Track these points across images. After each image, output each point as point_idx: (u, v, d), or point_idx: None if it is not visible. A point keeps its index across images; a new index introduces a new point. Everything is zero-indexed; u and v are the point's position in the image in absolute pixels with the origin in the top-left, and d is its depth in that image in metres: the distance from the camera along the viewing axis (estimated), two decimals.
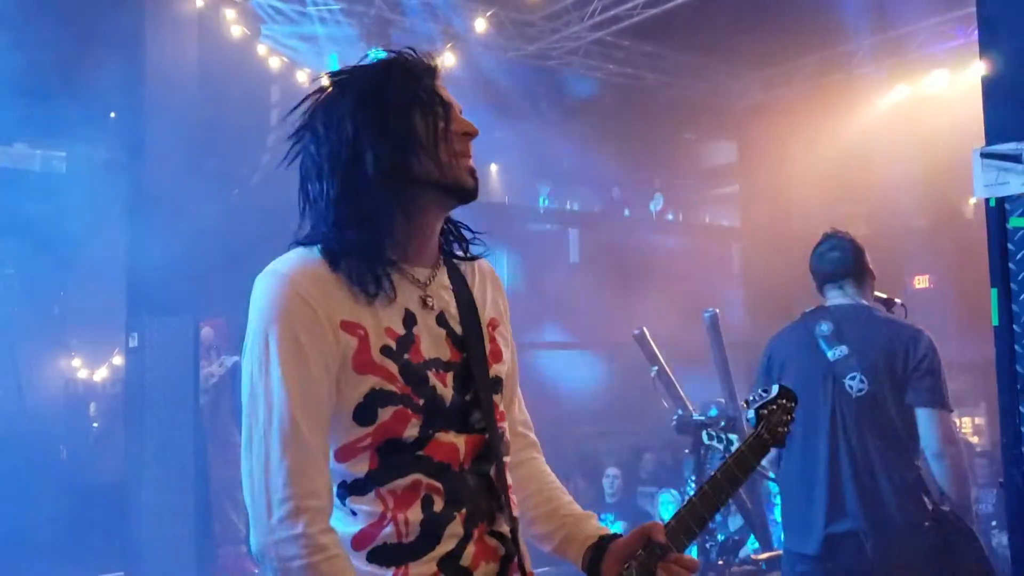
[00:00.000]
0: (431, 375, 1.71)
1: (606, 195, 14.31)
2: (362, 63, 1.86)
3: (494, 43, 10.33)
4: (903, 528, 3.38)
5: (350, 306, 1.68)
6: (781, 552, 4.99)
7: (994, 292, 2.96)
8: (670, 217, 14.52)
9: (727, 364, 5.89)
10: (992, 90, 3.12)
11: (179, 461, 7.21)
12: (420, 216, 1.77)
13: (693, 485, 5.57)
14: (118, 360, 11.53)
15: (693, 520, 1.87)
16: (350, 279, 1.68)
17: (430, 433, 1.69)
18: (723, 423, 5.36)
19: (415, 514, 1.66)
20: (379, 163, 1.70)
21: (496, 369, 1.84)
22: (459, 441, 1.72)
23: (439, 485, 1.68)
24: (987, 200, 3.01)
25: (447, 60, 10.02)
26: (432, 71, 1.82)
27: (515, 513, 1.80)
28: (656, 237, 13.15)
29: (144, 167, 8.11)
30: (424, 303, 1.76)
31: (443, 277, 1.83)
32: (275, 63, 9.88)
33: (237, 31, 9.14)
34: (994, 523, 7.02)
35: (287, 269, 1.69)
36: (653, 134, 12.36)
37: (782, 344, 3.79)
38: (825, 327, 3.57)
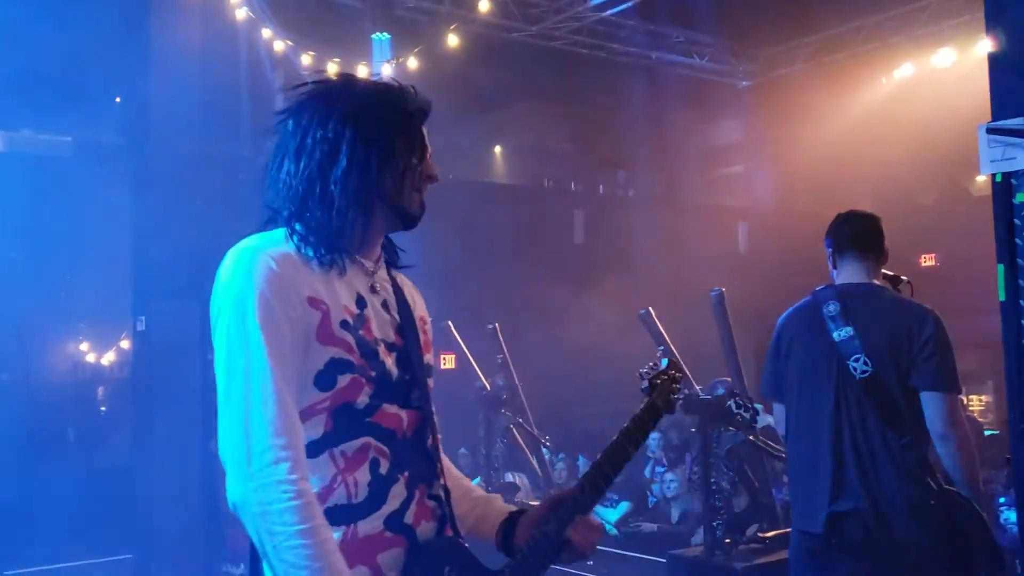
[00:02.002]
0: (380, 350, 1.88)
1: (610, 176, 14.29)
2: (370, 78, 2.05)
3: (497, 23, 10.30)
4: (906, 508, 3.37)
5: (314, 283, 1.83)
6: (787, 531, 5.01)
7: (1001, 268, 2.96)
8: (675, 197, 14.50)
9: (733, 343, 5.89)
10: (998, 66, 3.11)
11: (186, 443, 7.25)
12: (372, 222, 1.95)
13: (698, 465, 5.58)
14: (125, 344, 11.58)
15: (600, 480, 2.07)
16: (313, 258, 1.86)
17: (378, 403, 1.85)
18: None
19: (364, 475, 1.81)
20: (355, 169, 1.88)
21: (427, 357, 2.05)
22: (402, 413, 1.89)
23: (386, 449, 1.83)
24: (993, 176, 3.00)
25: (451, 40, 10.00)
26: (424, 113, 2.01)
27: (444, 481, 1.98)
28: (660, 217, 13.12)
29: (149, 151, 8.12)
30: (372, 289, 1.95)
31: (384, 272, 2.03)
32: (279, 46, 9.87)
33: (242, 14, 9.12)
34: (1003, 500, 7.02)
35: (260, 245, 1.85)
36: (657, 114, 12.32)
37: (790, 323, 3.77)
38: (832, 307, 3.55)
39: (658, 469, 8.68)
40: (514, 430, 7.45)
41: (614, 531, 8.29)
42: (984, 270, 3.79)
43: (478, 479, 8.36)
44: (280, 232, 1.90)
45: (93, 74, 8.67)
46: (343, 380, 1.81)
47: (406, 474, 1.86)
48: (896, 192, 11.66)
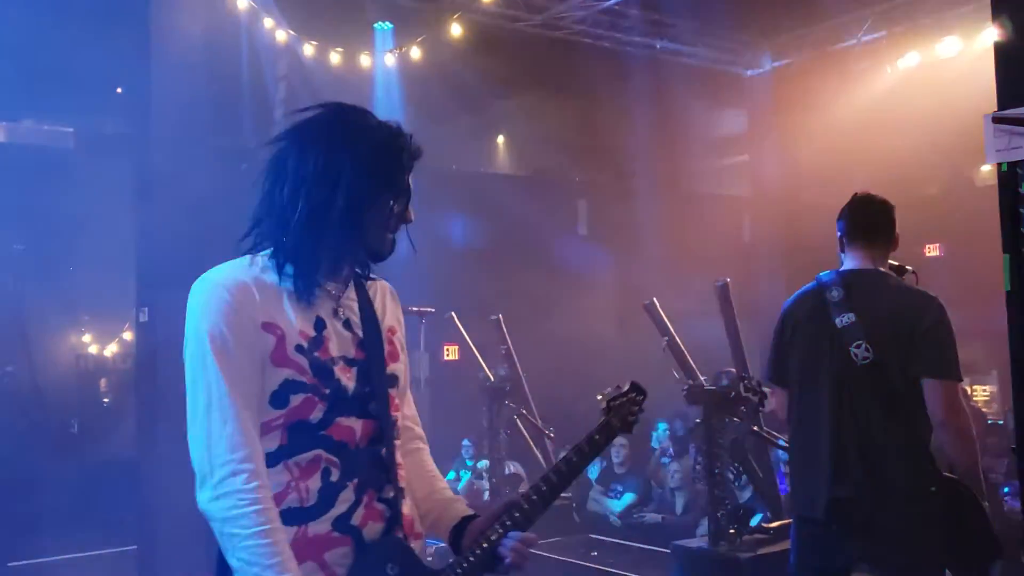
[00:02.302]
0: (337, 370, 2.07)
1: (614, 165, 14.25)
2: (367, 118, 2.16)
3: (501, 12, 10.25)
4: (906, 494, 3.37)
5: (269, 310, 2.04)
6: (791, 521, 5.01)
7: (1006, 258, 2.93)
8: (679, 187, 14.46)
9: (738, 333, 5.88)
10: (1005, 54, 3.08)
11: None
12: (344, 254, 2.14)
13: (702, 455, 5.57)
14: (128, 335, 11.58)
15: (548, 494, 2.22)
16: (278, 283, 2.07)
17: (332, 417, 2.04)
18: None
19: (315, 483, 2.02)
20: (345, 204, 2.05)
21: (393, 367, 2.21)
22: (357, 425, 2.08)
23: (336, 460, 2.04)
24: (999, 165, 2.98)
25: (454, 30, 9.96)
26: (413, 160, 2.18)
27: (401, 484, 2.16)
28: (665, 207, 13.09)
29: (151, 142, 8.10)
30: (335, 312, 2.13)
31: (351, 292, 2.20)
32: (281, 36, 9.84)
33: (243, 4, 9.09)
34: (1006, 490, 7.02)
35: (218, 278, 2.05)
36: (662, 103, 12.28)
37: (794, 308, 3.78)
38: (836, 293, 3.55)
39: (663, 460, 8.68)
40: (518, 421, 7.45)
41: (618, 522, 8.30)
42: (989, 260, 3.76)
43: (484, 461, 8.40)
44: (244, 260, 2.10)
45: (94, 65, 8.65)
46: (296, 399, 2.02)
47: (355, 481, 2.05)
48: (901, 182, 11.58)
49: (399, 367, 2.24)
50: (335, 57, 10.42)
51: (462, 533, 2.24)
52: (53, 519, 7.94)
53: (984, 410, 11.07)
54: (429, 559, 2.24)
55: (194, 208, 7.38)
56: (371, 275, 2.29)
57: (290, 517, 1.99)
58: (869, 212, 3.67)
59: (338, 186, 2.05)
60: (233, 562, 1.92)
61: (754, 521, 5.86)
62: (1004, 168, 2.96)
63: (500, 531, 2.17)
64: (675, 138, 13.70)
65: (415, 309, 6.73)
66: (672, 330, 6.02)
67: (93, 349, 12.17)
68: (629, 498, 8.46)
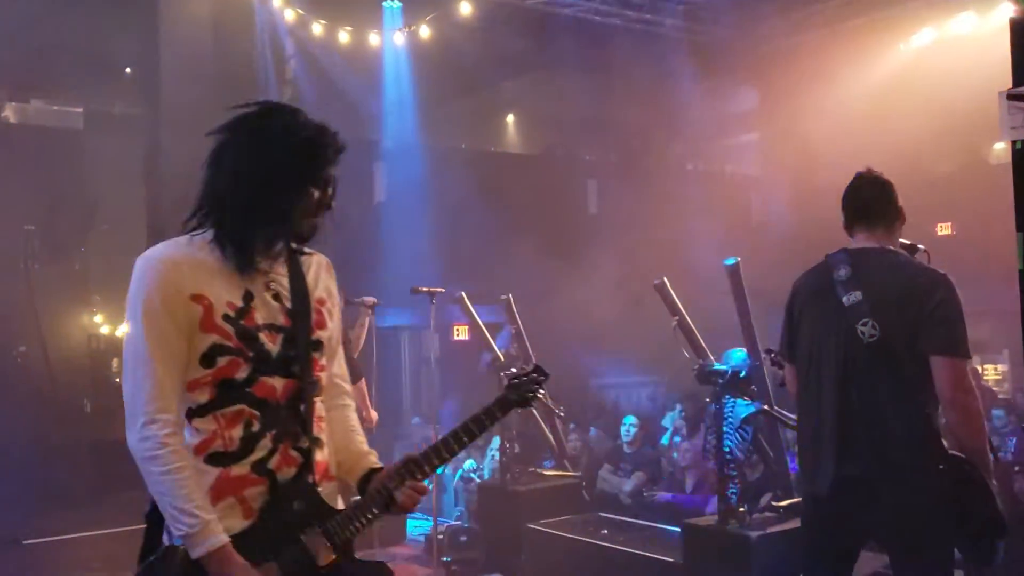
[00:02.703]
0: (262, 336, 2.39)
1: (624, 143, 14.20)
2: (297, 116, 2.46)
3: None
4: (912, 473, 3.36)
5: (200, 284, 2.35)
6: (800, 499, 5.01)
7: (1020, 236, 2.91)
8: (689, 167, 14.41)
9: (749, 313, 5.86)
10: (1021, 30, 3.05)
11: None
12: (274, 235, 2.45)
13: (713, 434, 5.57)
14: None
15: (444, 453, 2.59)
16: (233, 264, 2.38)
17: (257, 376, 2.38)
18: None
19: (238, 432, 2.36)
20: (276, 194, 2.39)
21: (319, 334, 2.52)
22: (279, 383, 2.41)
23: (258, 413, 2.38)
24: (1014, 143, 2.95)
25: (463, 8, 9.92)
26: (337, 155, 2.48)
27: (318, 436, 2.49)
28: (676, 185, 13.05)
29: (160, 122, 8.10)
30: (267, 286, 2.45)
31: (282, 267, 2.50)
32: (290, 16, 9.81)
33: None
34: (1016, 468, 7.01)
35: (155, 255, 2.38)
36: (672, 81, 12.22)
37: (804, 286, 3.78)
38: (843, 272, 3.54)
39: (675, 439, 8.67)
40: None
41: (628, 501, 8.31)
42: (1002, 239, 3.74)
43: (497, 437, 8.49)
44: (183, 239, 2.43)
45: (104, 46, 8.64)
46: (222, 361, 2.35)
47: (274, 432, 2.39)
48: (913, 160, 11.52)
49: (325, 333, 2.55)
50: (344, 36, 10.39)
51: (367, 482, 2.57)
52: (68, 497, 8.00)
53: (995, 389, 11.05)
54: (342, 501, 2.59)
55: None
56: (307, 250, 2.59)
57: (216, 460, 2.36)
58: (862, 195, 3.66)
59: (269, 177, 2.37)
60: (152, 493, 2.34)
61: (764, 500, 5.87)
62: (1019, 146, 2.94)
63: (398, 480, 2.51)
64: (685, 117, 13.64)
65: (425, 289, 6.72)
66: (682, 310, 6.00)
67: (105, 329, 12.22)
68: (639, 477, 8.47)
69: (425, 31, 10.46)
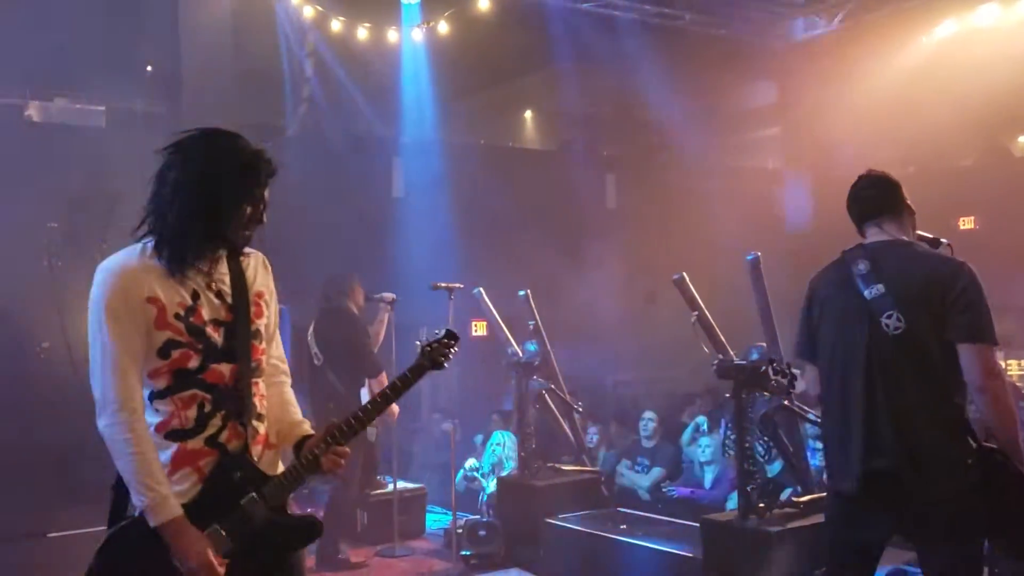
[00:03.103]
0: (208, 330, 2.78)
1: (643, 138, 14.15)
2: (236, 140, 2.86)
3: None
4: (942, 465, 3.35)
5: (153, 287, 2.73)
6: (821, 495, 4.99)
7: None
8: (709, 161, 14.35)
9: (769, 308, 5.84)
10: None
11: None
12: (210, 244, 2.82)
13: (732, 430, 5.56)
14: None
15: (364, 420, 2.92)
16: (159, 265, 2.74)
17: (207, 364, 2.77)
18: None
19: (192, 412, 2.77)
20: (212, 209, 2.76)
21: (257, 323, 2.92)
22: (226, 369, 2.81)
23: (209, 396, 2.78)
24: None
25: (481, 4, 9.90)
26: (269, 178, 2.84)
27: (260, 411, 2.90)
28: (695, 180, 13.00)
29: (182, 119, 8.13)
30: (208, 286, 2.82)
31: (223, 267, 2.88)
32: (309, 12, 9.83)
33: None
34: None
35: (113, 266, 2.76)
36: (691, 75, 12.17)
37: (822, 283, 3.77)
38: (863, 266, 3.53)
39: (698, 437, 8.61)
40: (546, 396, 7.45)
41: (646, 496, 8.31)
42: None
43: (506, 433, 8.51)
44: (137, 247, 2.79)
45: (125, 43, 8.68)
46: (176, 353, 2.73)
47: (223, 411, 2.79)
48: (935, 153, 11.45)
49: (262, 322, 2.95)
50: (362, 32, 10.41)
51: (299, 448, 2.96)
52: (91, 491, 8.04)
53: (1019, 384, 10.96)
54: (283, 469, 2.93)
55: None
56: (247, 251, 2.94)
57: (174, 436, 2.76)
58: (861, 194, 3.69)
59: (207, 194, 2.73)
60: (120, 470, 2.74)
61: (784, 495, 5.85)
62: None
63: (323, 446, 2.86)
64: (705, 110, 13.59)
65: (443, 285, 6.72)
66: (701, 304, 5.99)
67: None
68: (657, 472, 8.46)
69: (443, 27, 10.46)
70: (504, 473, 8.31)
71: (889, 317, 3.42)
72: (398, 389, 3.01)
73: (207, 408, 2.78)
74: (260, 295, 2.98)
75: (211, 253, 2.84)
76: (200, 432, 2.77)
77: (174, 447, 2.76)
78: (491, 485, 8.38)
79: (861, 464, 3.47)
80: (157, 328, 2.73)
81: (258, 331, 2.94)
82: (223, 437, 2.80)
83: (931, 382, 3.40)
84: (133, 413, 2.70)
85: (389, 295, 7.40)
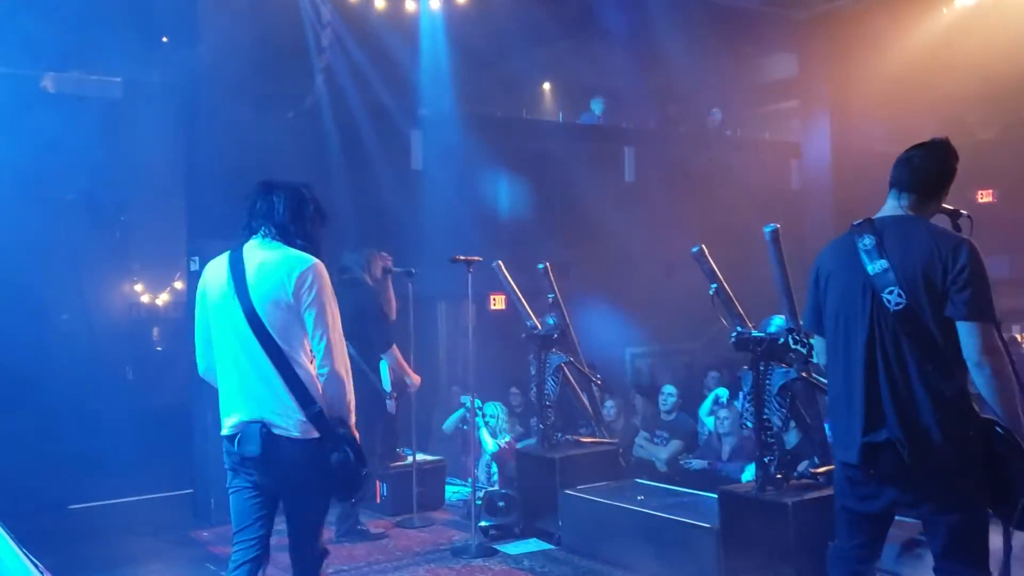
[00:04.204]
0: None
1: (662, 111, 14.07)
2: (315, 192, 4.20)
3: None
4: (943, 439, 3.39)
5: None
6: None
7: None
8: (728, 133, 14.27)
9: (788, 280, 5.81)
10: None
11: None
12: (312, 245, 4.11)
13: (751, 401, 5.55)
14: (179, 284, 11.74)
15: None
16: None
17: None
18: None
19: None
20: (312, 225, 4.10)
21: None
22: None
23: None
24: None
25: None
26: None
27: None
28: (713, 153, 12.92)
29: (199, 91, 8.13)
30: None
31: None
32: None
33: None
34: None
35: (320, 263, 4.00)
36: (710, 48, 12.07)
37: (828, 257, 3.81)
38: (868, 240, 3.56)
39: (718, 409, 8.61)
40: (565, 369, 7.46)
41: (664, 468, 8.33)
42: None
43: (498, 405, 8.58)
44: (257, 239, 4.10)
45: (141, 14, 8.67)
46: None
47: None
48: (955, 126, 11.33)
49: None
50: (380, 2, 10.36)
51: None
52: (111, 463, 8.14)
53: None
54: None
55: (243, 157, 7.42)
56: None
57: None
58: (902, 165, 3.66)
59: (313, 212, 4.12)
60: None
61: (802, 467, 5.85)
62: None
63: None
64: (723, 83, 13.49)
65: (462, 258, 6.72)
66: (720, 277, 5.97)
67: (145, 299, 12.37)
68: (676, 445, 8.48)
69: None
70: (500, 440, 8.48)
71: (891, 293, 3.47)
72: None
73: None
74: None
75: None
76: None
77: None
78: (491, 445, 8.45)
79: (862, 435, 3.54)
80: None
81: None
82: None
83: (931, 357, 3.44)
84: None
85: (408, 269, 7.44)
